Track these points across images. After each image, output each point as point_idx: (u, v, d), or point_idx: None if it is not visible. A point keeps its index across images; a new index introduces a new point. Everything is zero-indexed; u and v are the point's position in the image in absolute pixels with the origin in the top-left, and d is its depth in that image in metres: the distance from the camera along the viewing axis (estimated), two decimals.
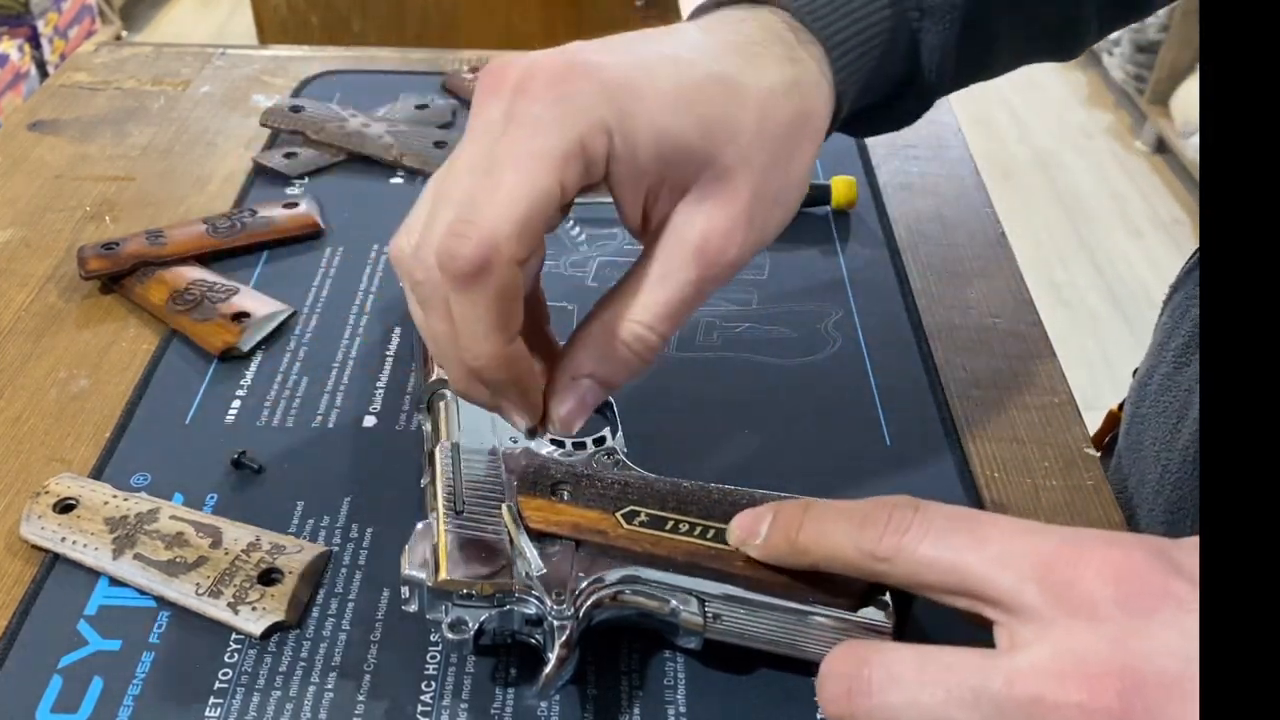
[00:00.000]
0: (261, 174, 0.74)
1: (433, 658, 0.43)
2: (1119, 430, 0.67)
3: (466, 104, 0.81)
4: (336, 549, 0.47)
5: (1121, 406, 0.67)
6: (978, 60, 0.45)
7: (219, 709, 0.41)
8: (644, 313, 0.37)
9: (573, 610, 0.40)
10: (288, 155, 0.75)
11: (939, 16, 0.42)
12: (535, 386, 0.39)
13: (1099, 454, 0.53)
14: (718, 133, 0.36)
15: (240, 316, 0.59)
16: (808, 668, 0.43)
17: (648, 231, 0.38)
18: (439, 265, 0.34)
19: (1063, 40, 0.48)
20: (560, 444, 0.47)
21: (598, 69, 0.34)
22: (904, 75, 0.43)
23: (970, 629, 0.35)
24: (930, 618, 0.45)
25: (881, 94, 0.44)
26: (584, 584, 0.41)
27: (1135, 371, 0.67)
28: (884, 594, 0.40)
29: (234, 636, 0.44)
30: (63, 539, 0.47)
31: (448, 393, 0.49)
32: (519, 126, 0.34)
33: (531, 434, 0.41)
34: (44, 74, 2.60)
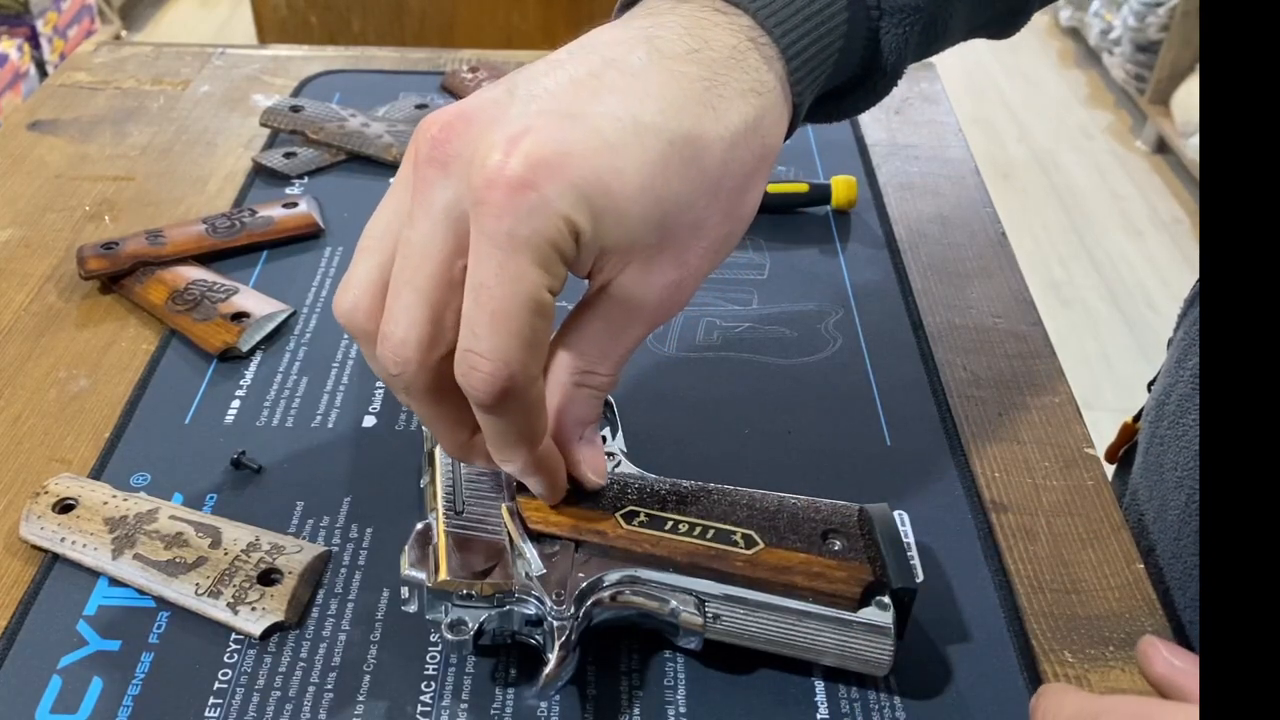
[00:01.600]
0: (261, 174, 0.74)
1: (432, 658, 0.43)
2: (1134, 445, 0.66)
3: None
4: (336, 549, 0.47)
5: (1137, 419, 0.66)
6: (928, 49, 0.45)
7: (219, 709, 0.41)
8: (603, 363, 0.39)
9: (572, 610, 0.40)
10: (287, 155, 0.75)
11: (900, 18, 0.41)
12: (559, 468, 0.42)
13: (1114, 466, 0.53)
14: (679, 214, 0.36)
15: (240, 316, 0.59)
16: (808, 668, 0.43)
17: (589, 277, 0.37)
18: (461, 386, 0.35)
19: (1010, 21, 0.48)
20: None
21: (564, 166, 0.33)
22: (859, 70, 0.42)
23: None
24: (931, 618, 0.45)
25: (835, 88, 0.43)
26: (583, 584, 0.41)
27: (1150, 386, 0.67)
28: (884, 594, 0.40)
29: (234, 637, 0.44)
30: (62, 539, 0.47)
31: None
32: (491, 244, 0.33)
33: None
34: (43, 74, 2.60)
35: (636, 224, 0.35)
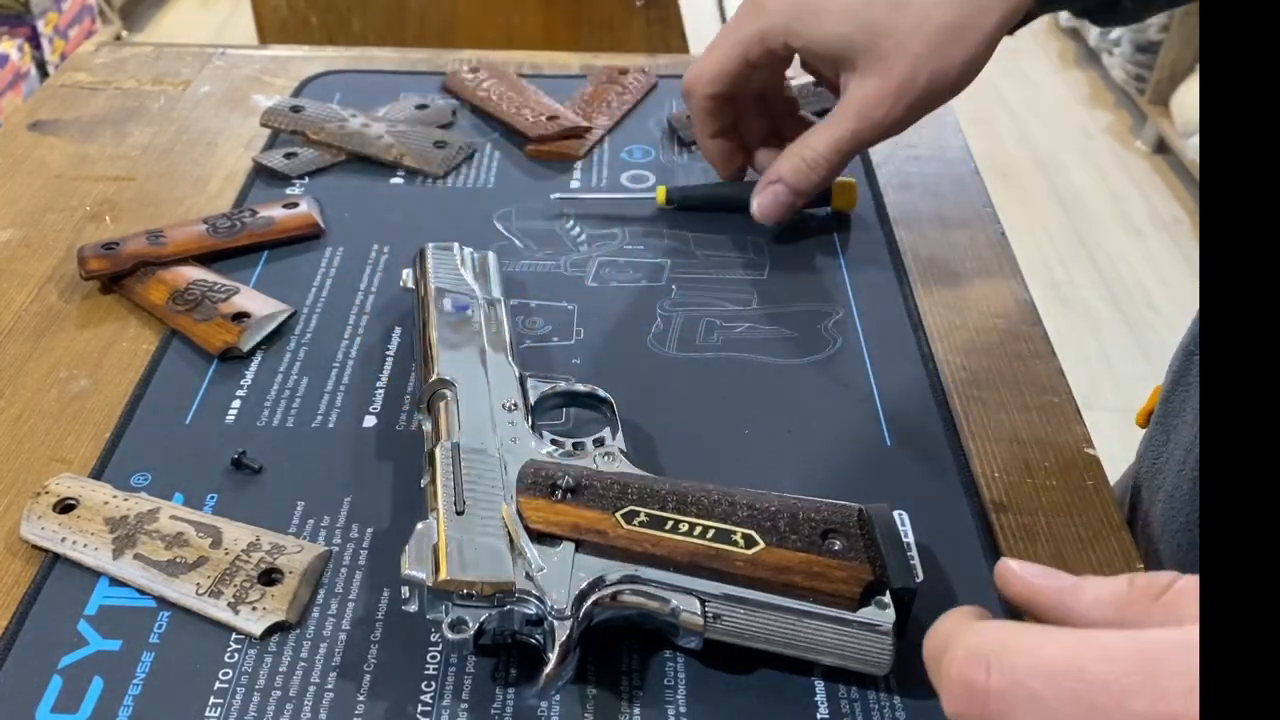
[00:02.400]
0: (262, 174, 0.74)
1: (433, 658, 0.43)
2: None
3: (467, 104, 0.81)
4: (337, 549, 0.47)
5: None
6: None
7: (219, 709, 0.41)
8: (816, 143, 0.60)
9: (572, 610, 0.40)
10: (288, 155, 0.75)
11: None
12: (729, 162, 0.68)
13: (1143, 430, 0.57)
14: (878, 32, 0.55)
15: (240, 316, 0.59)
16: (808, 668, 0.43)
17: (829, 79, 0.62)
18: None
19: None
20: (560, 444, 0.47)
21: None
22: None
23: None
24: (931, 618, 0.45)
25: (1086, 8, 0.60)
26: (584, 584, 0.41)
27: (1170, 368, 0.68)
28: (884, 593, 0.40)
29: (234, 636, 0.44)
30: (63, 539, 0.47)
31: (448, 393, 0.49)
32: (732, 19, 0.60)
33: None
34: (44, 74, 2.60)
35: (838, 34, 0.56)
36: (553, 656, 0.39)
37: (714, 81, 0.61)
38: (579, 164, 0.75)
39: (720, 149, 0.66)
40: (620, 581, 0.41)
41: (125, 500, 0.48)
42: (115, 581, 0.46)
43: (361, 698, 0.42)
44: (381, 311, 0.62)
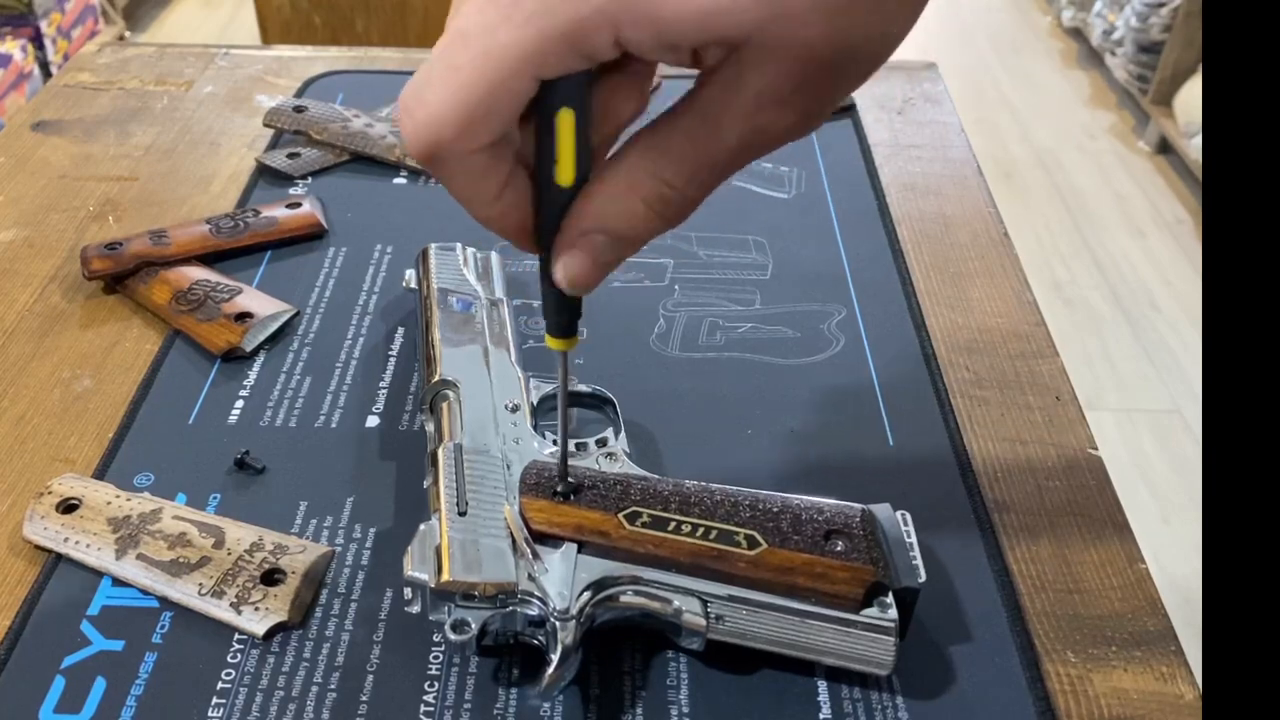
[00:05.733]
0: (265, 174, 0.74)
1: (436, 658, 0.43)
2: None
3: None
4: (339, 549, 0.47)
5: None
6: None
7: (222, 709, 0.41)
8: (673, 170, 0.32)
9: (575, 611, 0.40)
10: (291, 155, 0.75)
11: None
12: (532, 234, 0.36)
13: None
14: None
15: (243, 317, 0.59)
16: (810, 668, 0.43)
17: (700, 66, 0.32)
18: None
19: None
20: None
21: None
22: None
23: None
24: (934, 618, 0.45)
25: None
26: (586, 585, 0.41)
27: None
28: (886, 594, 0.40)
29: (237, 637, 0.44)
30: (65, 539, 0.47)
31: (451, 393, 0.49)
32: (497, 10, 0.29)
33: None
34: (47, 74, 2.60)
35: (708, 9, 0.29)
36: (555, 657, 0.39)
37: (476, 123, 0.30)
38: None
39: (517, 211, 0.35)
40: (623, 582, 0.41)
41: (128, 500, 0.48)
42: (118, 581, 0.46)
43: (364, 698, 0.42)
44: (384, 312, 0.62)
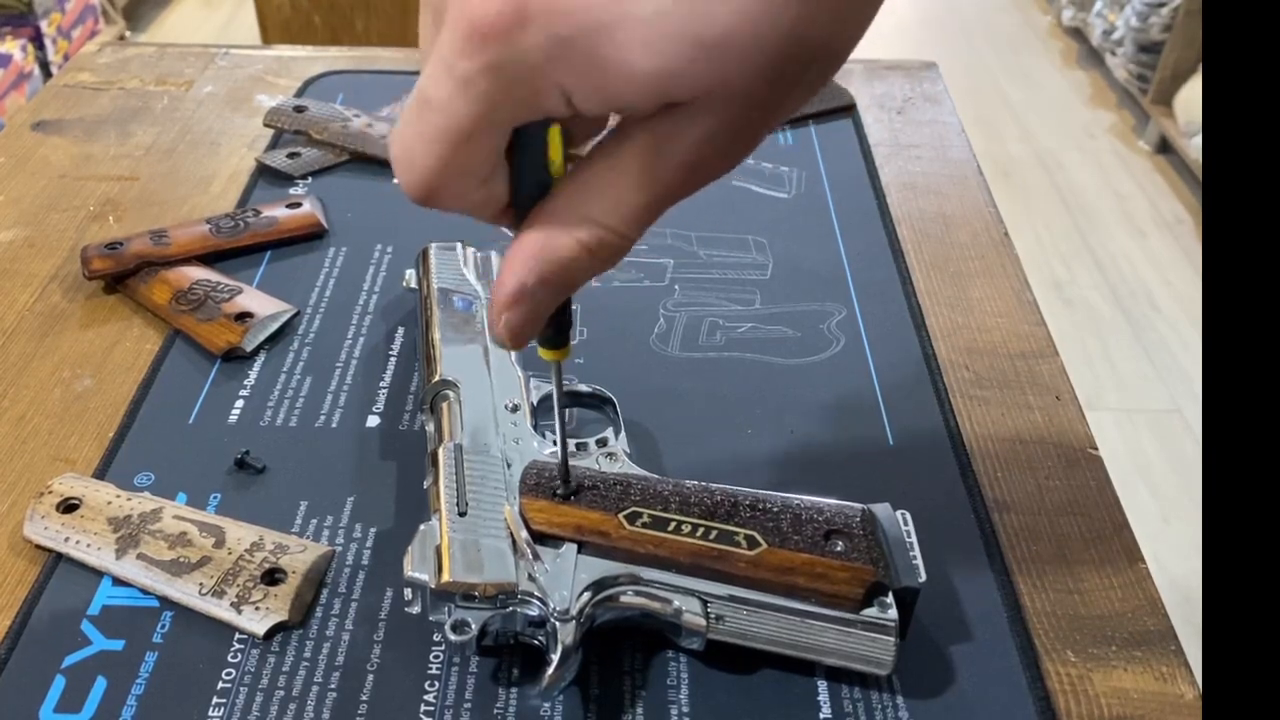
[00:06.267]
0: (265, 174, 0.74)
1: (436, 658, 0.43)
2: None
3: None
4: (340, 549, 0.47)
5: None
6: None
7: (222, 708, 0.41)
8: (611, 213, 0.32)
9: (575, 611, 0.40)
10: (291, 155, 0.75)
11: None
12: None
13: None
14: (714, 53, 0.29)
15: (243, 316, 0.59)
16: (811, 668, 0.43)
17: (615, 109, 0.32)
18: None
19: None
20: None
21: (556, 14, 0.28)
22: None
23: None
24: (934, 618, 0.45)
25: None
26: (587, 585, 0.41)
27: None
28: (887, 594, 0.40)
29: (237, 636, 0.44)
30: (66, 539, 0.47)
31: (451, 394, 0.49)
32: (452, 82, 0.30)
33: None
34: (47, 74, 2.60)
35: (653, 73, 0.29)
36: (555, 658, 0.39)
37: (463, 180, 0.32)
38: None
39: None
40: (623, 582, 0.41)
41: (128, 500, 0.48)
42: (118, 581, 0.46)
43: (364, 698, 0.42)
44: (384, 311, 0.62)
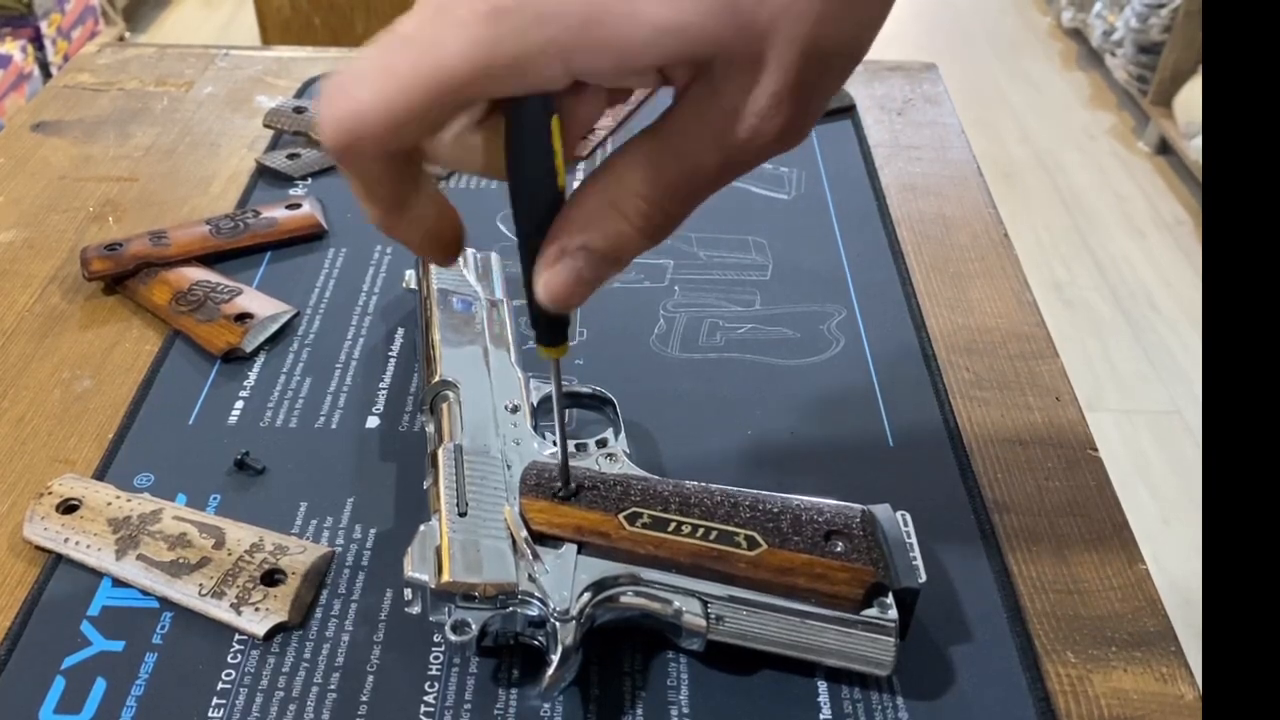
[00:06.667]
0: (264, 175, 0.74)
1: (436, 659, 0.43)
2: None
3: None
4: (339, 550, 0.47)
5: None
6: None
7: (222, 709, 0.41)
8: (652, 187, 0.31)
9: (575, 612, 0.40)
10: (291, 156, 0.75)
11: None
12: (439, 243, 0.36)
13: None
14: (741, 9, 0.28)
15: (243, 317, 0.59)
16: (811, 669, 0.43)
17: (672, 85, 0.31)
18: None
19: None
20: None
21: None
22: None
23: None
24: (934, 618, 0.45)
25: None
26: (587, 586, 0.41)
27: None
28: (887, 595, 0.40)
29: (237, 637, 0.44)
30: (66, 540, 0.47)
31: (451, 394, 0.49)
32: (445, 21, 0.28)
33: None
34: (47, 75, 2.60)
35: (674, 25, 0.28)
36: (555, 658, 0.39)
37: (398, 130, 0.29)
38: (582, 164, 0.75)
39: (421, 223, 0.35)
40: (623, 583, 0.41)
41: (128, 501, 0.48)
42: (118, 582, 0.46)
43: (364, 699, 0.42)
44: (384, 312, 0.62)
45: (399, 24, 0.29)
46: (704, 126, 0.30)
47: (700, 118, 0.30)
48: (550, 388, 0.50)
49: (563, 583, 0.40)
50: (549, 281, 0.34)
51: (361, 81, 0.29)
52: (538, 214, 0.33)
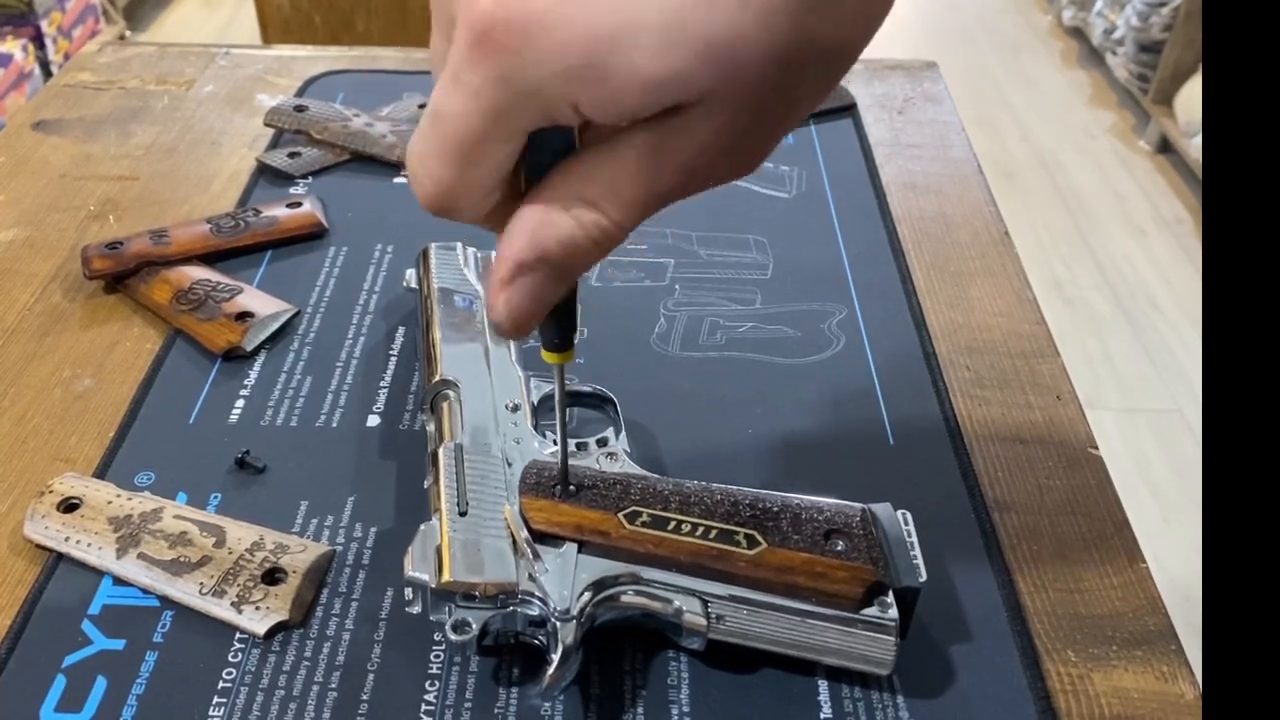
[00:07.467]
0: (265, 173, 0.74)
1: (436, 658, 0.43)
2: None
3: None
4: (340, 548, 0.47)
5: None
6: None
7: (223, 708, 0.41)
8: (610, 202, 0.32)
9: (576, 611, 0.40)
10: (291, 155, 0.75)
11: None
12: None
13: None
14: (724, 54, 0.29)
15: (244, 316, 0.59)
16: (811, 668, 0.43)
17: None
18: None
19: None
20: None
21: (561, 27, 0.28)
22: None
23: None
24: (934, 617, 0.45)
25: None
26: (587, 585, 0.41)
27: None
28: (887, 593, 0.40)
29: (238, 636, 0.44)
30: (66, 538, 0.47)
31: (451, 393, 0.49)
32: (461, 93, 0.30)
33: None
34: (48, 74, 2.60)
35: (660, 79, 0.29)
36: (556, 657, 0.39)
37: (476, 189, 0.32)
38: None
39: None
40: (623, 582, 0.41)
41: (129, 500, 0.48)
42: (119, 581, 0.46)
43: (365, 697, 0.42)
44: (385, 311, 0.62)
45: (432, 98, 0.31)
46: (670, 154, 0.31)
47: (669, 146, 0.31)
48: (551, 386, 0.50)
49: (563, 582, 0.40)
50: (509, 301, 0.34)
51: (425, 165, 0.32)
52: None
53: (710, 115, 0.30)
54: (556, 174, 0.33)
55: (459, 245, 0.59)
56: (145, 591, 0.45)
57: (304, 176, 0.73)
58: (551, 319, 0.36)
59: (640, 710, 0.42)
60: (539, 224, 0.33)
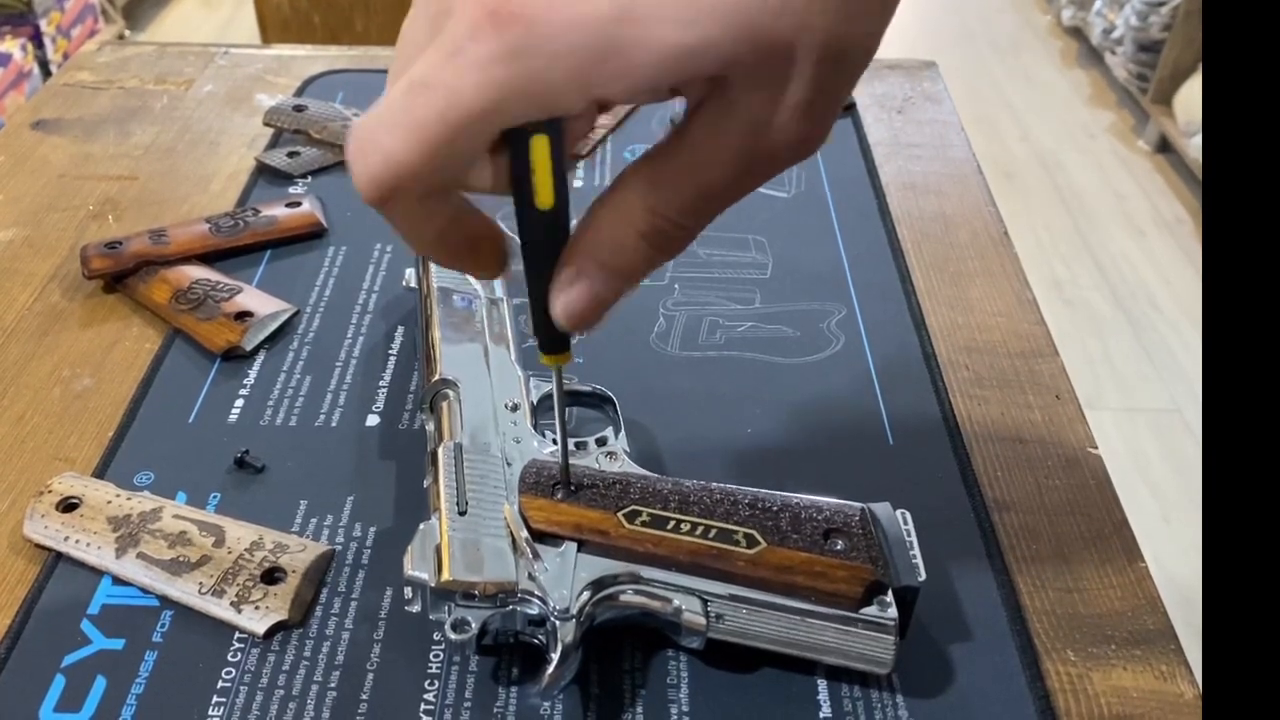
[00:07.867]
0: (264, 173, 0.74)
1: (436, 657, 0.43)
2: None
3: None
4: (339, 548, 0.47)
5: None
6: None
7: (222, 708, 0.41)
8: (669, 203, 0.32)
9: (575, 610, 0.40)
10: (290, 154, 0.75)
11: None
12: (485, 261, 0.36)
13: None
14: (757, 18, 0.27)
15: (243, 316, 0.59)
16: (810, 667, 0.43)
17: (684, 97, 0.31)
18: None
19: None
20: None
21: (577, 12, 0.27)
22: None
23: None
24: (934, 617, 0.45)
25: None
26: (586, 584, 0.41)
27: None
28: (886, 593, 0.40)
29: (237, 635, 0.44)
30: (66, 538, 0.47)
31: (450, 393, 0.49)
32: (461, 64, 0.28)
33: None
34: (47, 73, 2.60)
35: (688, 48, 0.28)
36: (555, 656, 0.39)
37: (432, 174, 0.30)
38: (582, 162, 0.75)
39: (458, 246, 0.35)
40: (622, 581, 0.41)
41: (128, 499, 0.48)
42: (118, 580, 0.46)
43: (364, 697, 0.42)
44: (384, 311, 0.62)
45: (412, 72, 0.29)
46: (722, 141, 0.30)
47: (718, 132, 0.30)
48: (550, 385, 0.50)
49: (562, 581, 0.40)
50: (566, 303, 0.34)
51: (389, 132, 0.29)
52: (526, 227, 0.33)
53: (751, 90, 0.29)
54: (616, 184, 0.32)
55: None
56: (144, 591, 0.45)
57: (303, 176, 0.73)
58: (550, 322, 0.35)
59: (640, 709, 0.42)
60: (602, 235, 0.33)
